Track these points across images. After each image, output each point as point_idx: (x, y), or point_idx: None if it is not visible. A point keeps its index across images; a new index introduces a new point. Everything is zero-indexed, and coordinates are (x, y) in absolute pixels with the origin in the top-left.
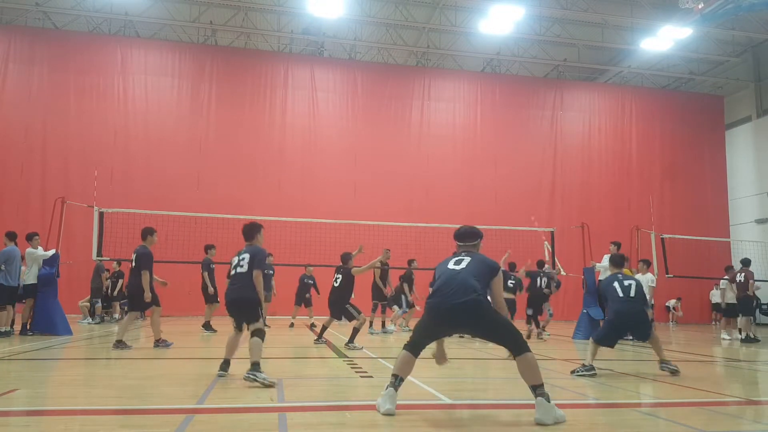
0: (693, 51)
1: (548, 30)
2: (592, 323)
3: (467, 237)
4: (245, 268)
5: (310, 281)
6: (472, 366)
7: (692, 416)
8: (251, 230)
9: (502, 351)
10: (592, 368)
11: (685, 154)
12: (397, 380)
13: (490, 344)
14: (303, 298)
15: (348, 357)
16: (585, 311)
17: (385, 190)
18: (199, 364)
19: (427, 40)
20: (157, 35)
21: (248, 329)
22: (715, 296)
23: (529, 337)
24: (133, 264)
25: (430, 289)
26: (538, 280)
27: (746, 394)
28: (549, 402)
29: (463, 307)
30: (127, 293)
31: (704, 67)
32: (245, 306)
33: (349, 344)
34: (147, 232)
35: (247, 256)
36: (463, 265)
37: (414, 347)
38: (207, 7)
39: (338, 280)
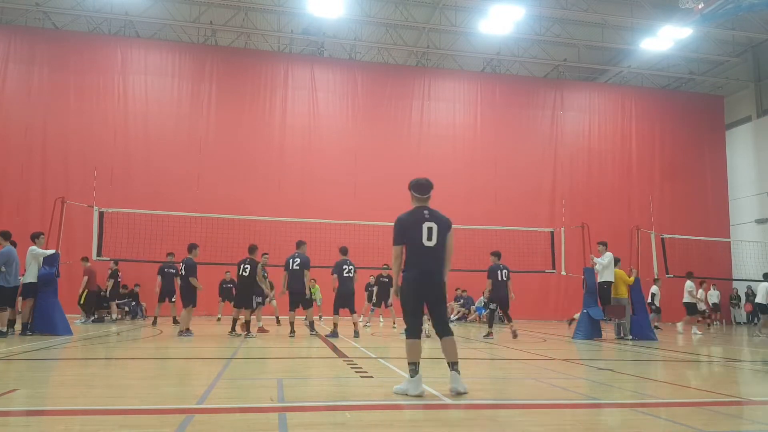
0: (693, 51)
1: (548, 30)
2: (592, 323)
3: (429, 189)
4: (299, 267)
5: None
6: (472, 366)
7: (692, 416)
8: (301, 243)
9: (501, 351)
10: None
11: (685, 154)
12: (418, 366)
13: (490, 344)
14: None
15: (348, 357)
16: (585, 311)
17: (385, 190)
18: (199, 364)
19: (427, 40)
20: (157, 35)
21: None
22: (713, 296)
23: (489, 335)
24: (183, 272)
25: None
26: (499, 273)
27: (746, 394)
28: (459, 374)
29: (439, 282)
30: (181, 293)
31: (704, 67)
32: (302, 294)
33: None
34: (192, 247)
35: (299, 260)
36: (434, 239)
37: (416, 331)
38: (207, 7)
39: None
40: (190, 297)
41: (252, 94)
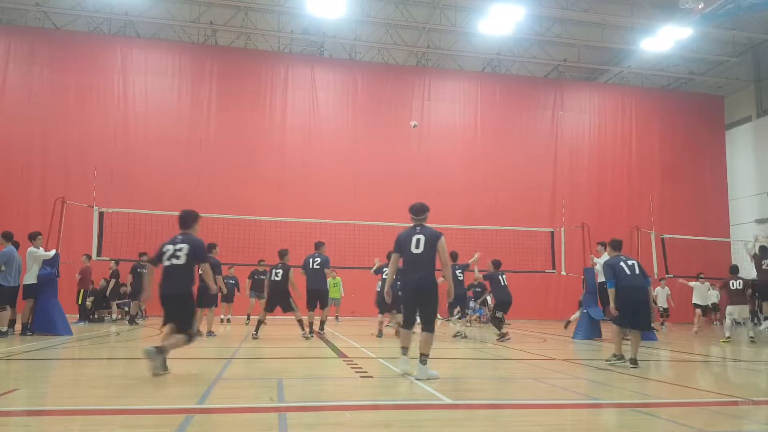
0: (693, 51)
1: (548, 30)
2: (592, 323)
3: (421, 212)
4: (320, 267)
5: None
6: (472, 366)
7: (692, 416)
8: (320, 244)
9: (501, 351)
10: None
11: (685, 154)
12: (406, 351)
13: (489, 344)
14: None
15: (348, 357)
16: (585, 311)
17: (385, 190)
18: (199, 364)
19: (427, 40)
20: (157, 35)
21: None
22: (712, 296)
23: (504, 336)
24: None
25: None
26: (500, 279)
27: (746, 394)
28: (425, 365)
29: (423, 282)
30: (199, 293)
31: (704, 67)
32: (323, 293)
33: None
34: (212, 246)
35: (319, 259)
36: (421, 247)
37: (408, 323)
38: (207, 7)
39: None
40: (212, 297)
41: (252, 94)
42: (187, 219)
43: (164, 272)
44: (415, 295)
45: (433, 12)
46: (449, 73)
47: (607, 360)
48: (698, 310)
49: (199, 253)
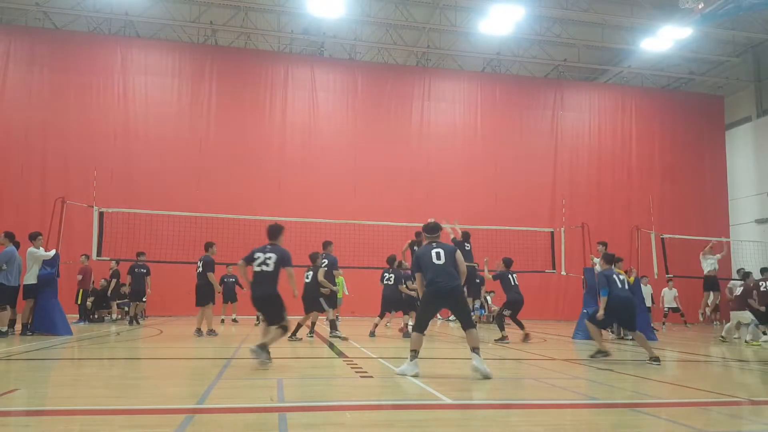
0: (693, 51)
1: (548, 30)
2: None
3: (435, 231)
4: (328, 268)
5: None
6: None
7: (692, 416)
8: (327, 243)
9: (500, 351)
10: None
11: (685, 154)
12: (416, 354)
13: (489, 344)
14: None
15: (348, 357)
16: (585, 311)
17: (385, 190)
18: (199, 364)
19: (427, 40)
20: (157, 35)
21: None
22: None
23: (504, 338)
24: (201, 269)
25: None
26: (510, 278)
27: (746, 394)
28: (480, 357)
29: (451, 289)
30: (198, 292)
31: (704, 67)
32: (332, 295)
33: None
34: (209, 245)
35: (326, 260)
36: (443, 259)
37: (421, 327)
38: (207, 7)
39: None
40: (208, 295)
41: (252, 94)
42: (274, 232)
43: (255, 277)
44: (444, 301)
45: (433, 12)
46: (449, 73)
47: (591, 356)
48: (707, 295)
49: (286, 260)
